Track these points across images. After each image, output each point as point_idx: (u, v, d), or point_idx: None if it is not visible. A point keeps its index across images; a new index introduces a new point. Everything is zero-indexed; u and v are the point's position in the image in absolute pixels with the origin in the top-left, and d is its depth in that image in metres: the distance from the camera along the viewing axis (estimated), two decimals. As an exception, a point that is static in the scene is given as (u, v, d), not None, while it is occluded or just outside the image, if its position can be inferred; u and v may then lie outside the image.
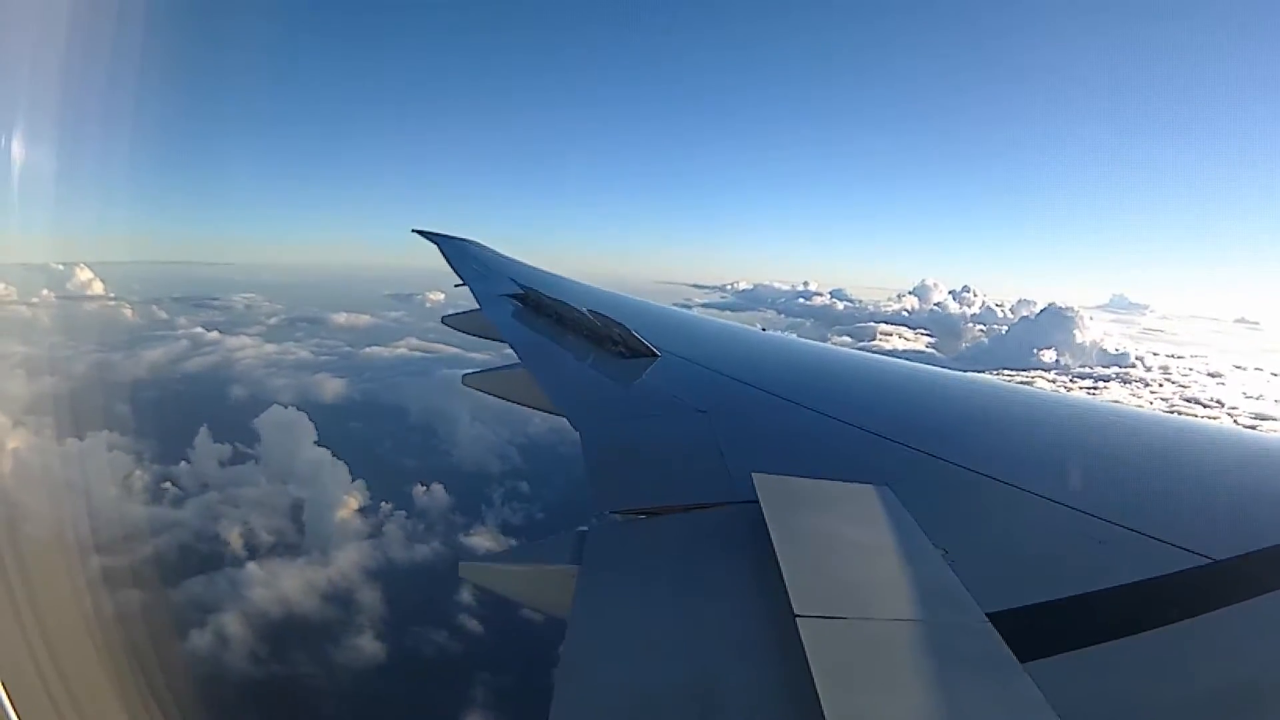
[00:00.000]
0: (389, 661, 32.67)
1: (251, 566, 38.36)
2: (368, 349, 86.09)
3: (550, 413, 4.37)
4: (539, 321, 6.24)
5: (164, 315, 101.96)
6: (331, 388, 67.70)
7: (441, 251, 8.81)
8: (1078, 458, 3.46)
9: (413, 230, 9.60)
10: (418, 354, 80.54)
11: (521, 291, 6.85)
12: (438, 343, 73.74)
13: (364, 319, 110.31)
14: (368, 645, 33.64)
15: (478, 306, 6.94)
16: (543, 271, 8.72)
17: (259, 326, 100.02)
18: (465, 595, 34.82)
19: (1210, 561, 2.26)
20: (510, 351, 5.57)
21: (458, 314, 7.00)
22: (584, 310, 5.67)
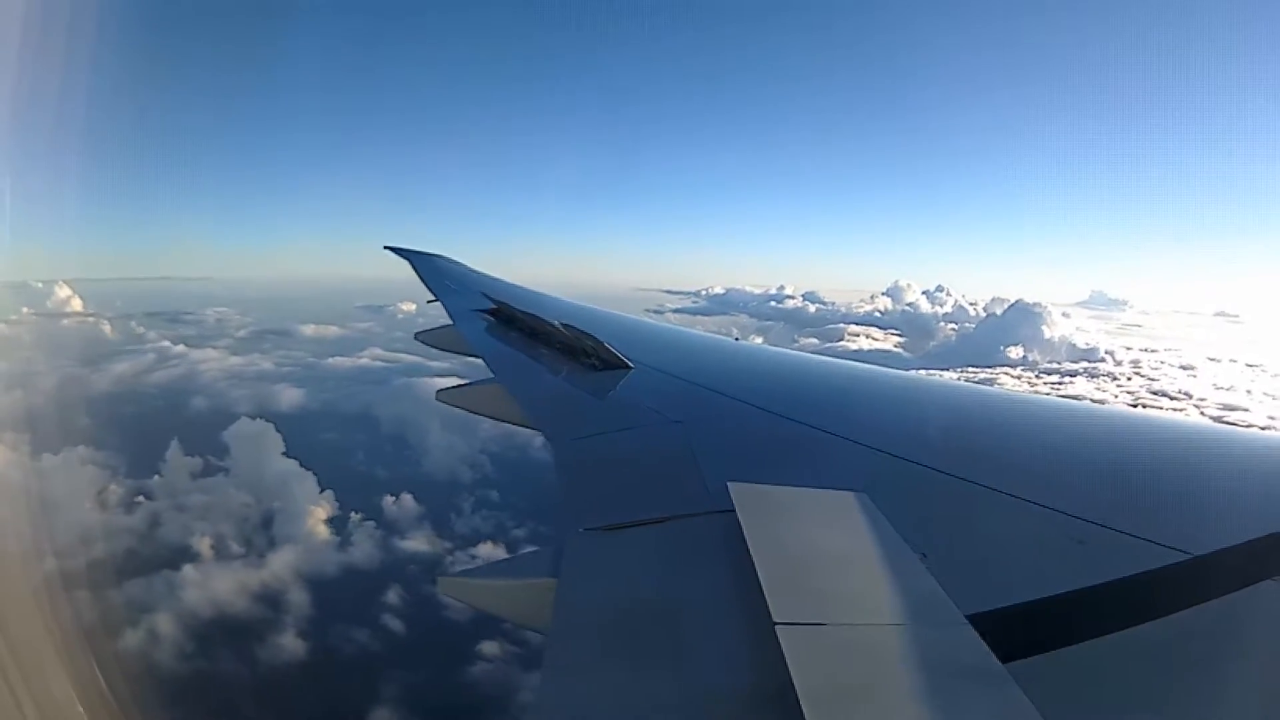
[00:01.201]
0: (320, 660, 33.12)
1: (220, 576, 38.27)
2: (331, 359, 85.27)
3: (525, 427, 4.37)
4: (512, 336, 6.22)
5: (140, 330, 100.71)
6: (293, 398, 67.09)
7: (413, 267, 8.77)
8: (1053, 458, 3.49)
9: (385, 247, 9.55)
10: (379, 364, 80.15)
11: (494, 306, 6.83)
12: (401, 353, 73.76)
13: (332, 330, 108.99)
14: (291, 644, 34.01)
15: (450, 322, 6.92)
16: (515, 285, 8.71)
17: (227, 340, 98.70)
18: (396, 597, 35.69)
19: (1188, 557, 2.30)
20: (480, 363, 5.56)
21: (430, 330, 6.96)
22: (556, 323, 5.67)
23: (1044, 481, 2.98)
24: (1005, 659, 1.78)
